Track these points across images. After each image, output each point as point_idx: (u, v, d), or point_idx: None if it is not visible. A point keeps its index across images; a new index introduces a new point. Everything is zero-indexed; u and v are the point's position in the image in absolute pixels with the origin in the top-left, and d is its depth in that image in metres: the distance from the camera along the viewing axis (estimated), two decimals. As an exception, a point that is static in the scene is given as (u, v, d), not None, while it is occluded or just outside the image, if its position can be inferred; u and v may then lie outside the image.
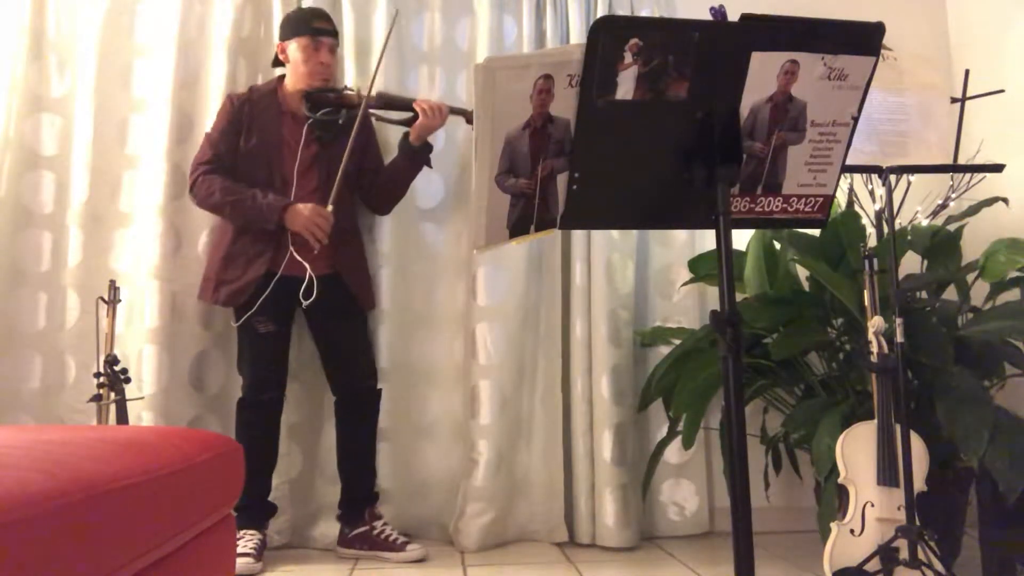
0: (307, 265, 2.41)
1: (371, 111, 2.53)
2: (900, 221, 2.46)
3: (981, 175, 2.44)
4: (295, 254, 2.42)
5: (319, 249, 2.46)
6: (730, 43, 1.23)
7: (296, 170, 2.47)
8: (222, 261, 2.49)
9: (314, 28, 2.53)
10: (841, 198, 2.54)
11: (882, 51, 1.38)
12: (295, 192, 2.46)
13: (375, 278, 2.71)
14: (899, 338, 1.89)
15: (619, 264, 2.76)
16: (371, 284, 2.68)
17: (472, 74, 2.02)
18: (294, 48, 2.54)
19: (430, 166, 2.64)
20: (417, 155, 2.58)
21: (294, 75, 2.56)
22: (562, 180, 1.29)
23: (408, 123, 2.55)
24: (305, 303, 2.40)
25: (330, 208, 2.39)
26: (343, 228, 2.57)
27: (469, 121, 2.55)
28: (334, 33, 2.60)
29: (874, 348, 1.96)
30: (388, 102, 2.55)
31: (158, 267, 2.58)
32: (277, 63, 2.63)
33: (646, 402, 2.72)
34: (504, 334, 2.68)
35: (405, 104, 2.54)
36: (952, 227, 2.49)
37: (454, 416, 2.76)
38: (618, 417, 2.67)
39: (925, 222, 2.58)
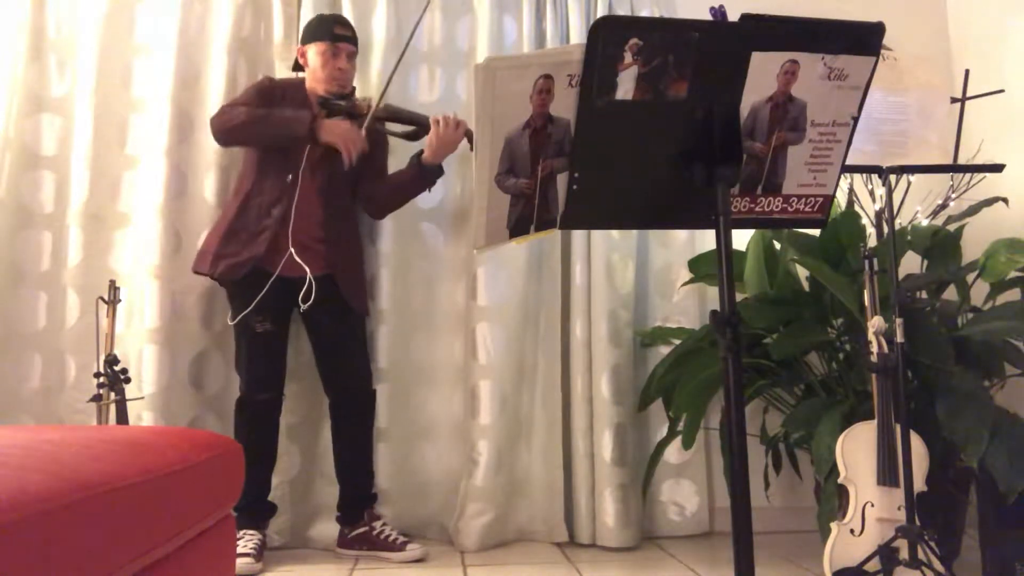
0: (306, 268, 2.41)
1: (378, 122, 2.53)
2: (900, 221, 2.46)
3: (981, 175, 2.44)
4: (295, 256, 2.42)
5: (320, 248, 2.47)
6: (730, 43, 1.23)
7: (303, 169, 2.47)
8: (223, 236, 2.48)
9: (334, 34, 2.53)
10: (841, 198, 2.54)
11: (882, 51, 1.38)
12: (299, 191, 2.47)
13: (375, 278, 2.71)
14: (899, 338, 1.89)
15: (619, 264, 2.76)
16: (365, 290, 2.66)
17: (472, 74, 2.02)
18: (313, 52, 2.54)
19: (430, 190, 2.61)
20: (427, 174, 2.55)
21: (312, 79, 2.57)
22: (562, 180, 1.29)
23: (410, 136, 2.56)
24: (303, 307, 2.40)
25: (363, 132, 2.42)
26: (341, 229, 2.57)
27: (471, 142, 2.54)
28: (354, 41, 2.60)
29: (874, 348, 1.95)
30: (395, 114, 2.55)
31: (158, 267, 2.57)
32: (297, 67, 2.64)
33: (646, 402, 2.72)
34: (504, 334, 2.68)
35: (412, 118, 2.54)
36: (952, 227, 2.49)
37: (454, 416, 2.76)
38: (618, 417, 2.67)
39: (925, 222, 2.58)
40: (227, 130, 2.45)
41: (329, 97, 2.49)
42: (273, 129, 2.43)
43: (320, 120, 2.41)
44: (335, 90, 2.52)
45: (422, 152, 2.54)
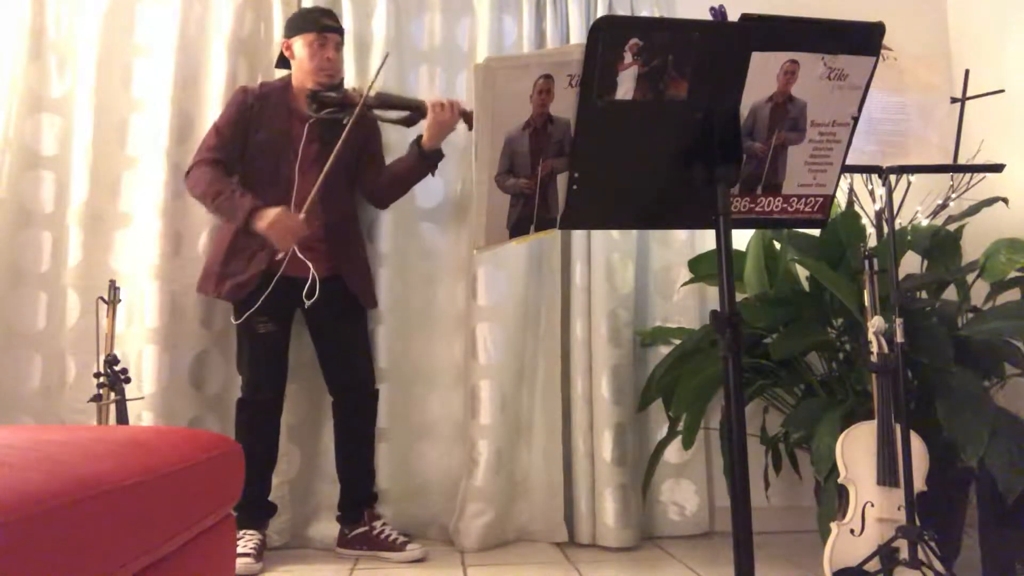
0: (310, 265, 2.41)
1: (371, 110, 2.52)
2: (900, 221, 2.46)
3: (981, 175, 2.44)
4: (298, 253, 2.42)
5: (323, 248, 2.47)
6: (730, 43, 1.23)
7: (298, 168, 2.47)
8: (225, 255, 2.48)
9: (321, 24, 2.53)
10: (841, 198, 2.54)
11: (882, 51, 1.38)
12: (296, 189, 2.46)
13: (375, 278, 2.71)
14: (899, 338, 1.89)
15: (619, 264, 2.76)
16: (373, 283, 2.68)
17: (472, 74, 2.02)
18: (300, 45, 2.54)
19: (433, 174, 2.61)
20: (427, 159, 2.55)
21: (300, 72, 2.56)
22: (562, 180, 1.29)
23: (405, 122, 2.55)
24: (308, 303, 2.40)
25: (302, 216, 2.35)
26: (342, 226, 2.57)
27: (469, 124, 2.54)
28: (340, 30, 2.60)
29: (874, 348, 1.95)
30: (387, 102, 2.54)
31: (158, 267, 2.57)
32: (281, 63, 2.63)
33: (646, 402, 2.72)
34: (504, 334, 2.68)
35: (405, 104, 2.54)
36: (952, 227, 2.49)
37: (454, 416, 2.76)
38: (618, 417, 2.67)
39: (925, 222, 2.58)
40: (192, 194, 2.52)
41: (319, 90, 2.48)
42: (218, 213, 2.50)
43: (256, 212, 2.37)
44: (324, 81, 2.51)
45: (420, 137, 2.53)
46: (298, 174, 2.47)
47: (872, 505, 1.93)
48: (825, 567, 1.92)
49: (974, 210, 2.43)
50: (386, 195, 2.67)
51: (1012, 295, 2.36)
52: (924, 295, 2.44)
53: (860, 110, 1.32)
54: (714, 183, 1.24)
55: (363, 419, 2.61)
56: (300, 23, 2.56)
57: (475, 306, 2.70)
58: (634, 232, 2.80)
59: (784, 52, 1.24)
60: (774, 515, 2.67)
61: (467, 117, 2.51)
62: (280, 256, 2.40)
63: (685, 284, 2.82)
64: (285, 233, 2.37)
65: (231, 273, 2.47)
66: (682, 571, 2.34)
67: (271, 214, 2.37)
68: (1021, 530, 2.05)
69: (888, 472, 1.92)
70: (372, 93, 2.45)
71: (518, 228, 1.30)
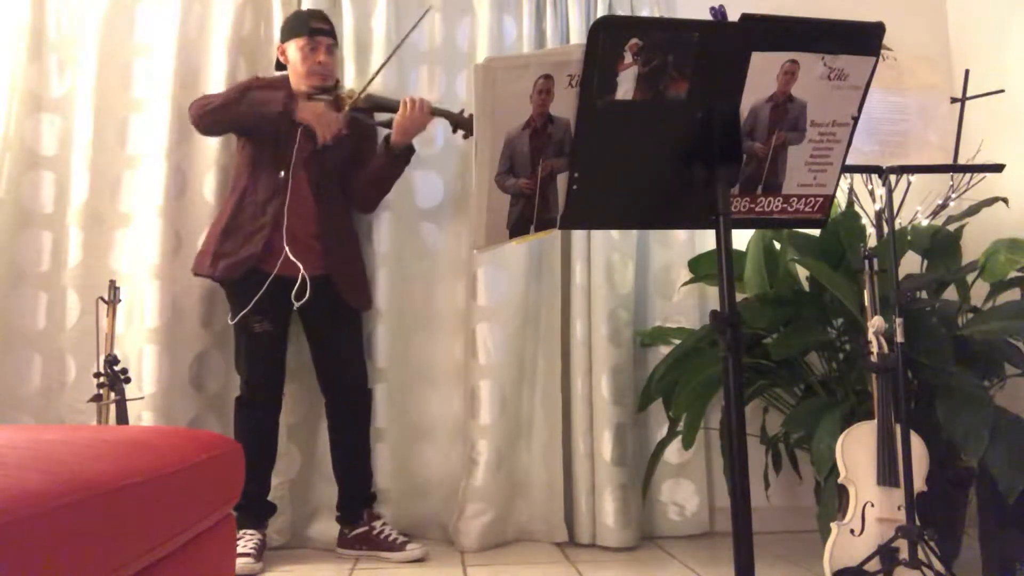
0: (300, 265, 2.41)
1: (360, 112, 2.52)
2: (900, 221, 2.46)
3: (981, 175, 2.44)
4: (289, 254, 2.41)
5: (316, 246, 2.47)
6: (730, 43, 1.23)
7: (294, 165, 2.47)
8: (221, 235, 2.48)
9: (311, 28, 2.53)
10: (841, 198, 2.54)
11: (882, 51, 1.38)
12: (291, 187, 2.47)
13: (374, 278, 2.71)
14: (899, 338, 1.89)
15: (619, 264, 2.76)
16: (366, 284, 2.67)
17: (472, 74, 2.02)
18: (292, 49, 2.55)
19: (401, 170, 2.60)
20: (397, 157, 2.54)
21: (294, 76, 2.56)
22: (562, 180, 1.29)
23: (389, 124, 2.55)
24: (297, 304, 2.40)
25: (342, 115, 2.43)
26: (336, 225, 2.57)
27: (453, 124, 2.54)
28: (331, 33, 2.60)
29: (874, 348, 1.96)
30: (377, 104, 2.54)
31: (158, 267, 2.58)
32: (279, 67, 2.63)
33: (646, 402, 2.71)
34: (504, 334, 2.68)
35: (394, 106, 2.54)
36: (952, 227, 2.49)
37: (454, 416, 2.76)
38: (618, 417, 2.67)
39: (925, 222, 2.58)
40: (206, 112, 2.46)
41: (312, 92, 2.49)
42: (250, 108, 2.44)
43: (296, 99, 2.42)
44: (317, 84, 2.51)
45: (389, 136, 2.53)
46: (294, 173, 2.47)
47: (872, 505, 1.93)
48: (825, 567, 1.92)
49: (974, 210, 2.43)
50: (366, 196, 2.66)
51: (1012, 295, 2.36)
52: (924, 295, 2.44)
53: (860, 110, 1.32)
54: (714, 183, 1.24)
55: (357, 420, 2.60)
56: (291, 27, 2.57)
57: (475, 306, 2.70)
58: (634, 232, 2.80)
59: (784, 52, 1.24)
60: (774, 515, 2.67)
61: (467, 123, 2.51)
62: (279, 256, 2.41)
63: (685, 284, 2.82)
64: (326, 124, 2.41)
65: (225, 253, 2.46)
66: (682, 571, 2.34)
67: (313, 103, 2.45)
68: (1021, 530, 2.05)
69: (888, 472, 1.92)
70: (363, 95, 2.45)
71: (518, 228, 1.30)
